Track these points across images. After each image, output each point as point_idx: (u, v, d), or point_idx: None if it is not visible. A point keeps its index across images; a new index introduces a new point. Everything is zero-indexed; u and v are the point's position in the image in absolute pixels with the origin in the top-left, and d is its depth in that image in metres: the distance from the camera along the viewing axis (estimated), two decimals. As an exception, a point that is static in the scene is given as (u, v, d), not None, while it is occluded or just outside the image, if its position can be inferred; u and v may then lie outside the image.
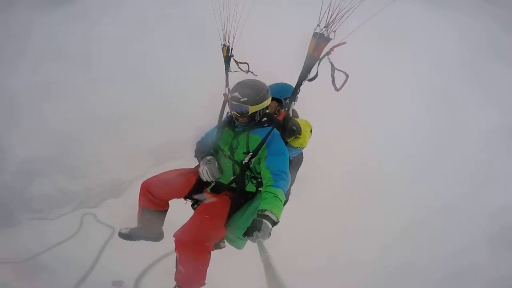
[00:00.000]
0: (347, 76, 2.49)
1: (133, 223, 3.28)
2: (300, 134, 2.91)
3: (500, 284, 13.76)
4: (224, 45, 3.15)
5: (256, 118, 2.77)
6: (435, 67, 19.40)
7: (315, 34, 2.58)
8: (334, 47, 2.58)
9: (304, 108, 3.22)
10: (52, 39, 22.45)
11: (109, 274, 14.13)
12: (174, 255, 2.88)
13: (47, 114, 22.46)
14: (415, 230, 15.38)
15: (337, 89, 2.54)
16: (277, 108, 3.19)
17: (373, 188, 16.18)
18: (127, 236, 3.11)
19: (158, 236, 3.25)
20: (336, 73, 2.65)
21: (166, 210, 3.14)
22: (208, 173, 2.80)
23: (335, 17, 2.45)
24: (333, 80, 2.55)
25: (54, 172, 22.77)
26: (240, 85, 2.76)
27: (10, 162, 20.84)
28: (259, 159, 2.70)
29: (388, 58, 17.62)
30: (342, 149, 17.15)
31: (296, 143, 2.96)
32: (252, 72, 3.13)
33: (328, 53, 2.59)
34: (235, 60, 3.17)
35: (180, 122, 23.29)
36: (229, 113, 2.92)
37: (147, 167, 24.78)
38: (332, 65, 2.59)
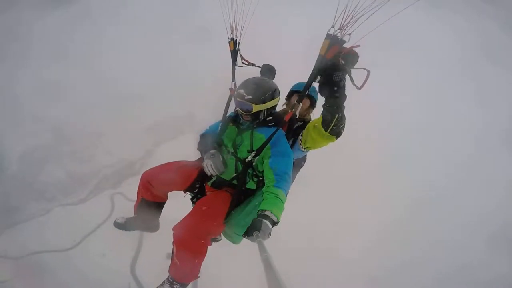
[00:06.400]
0: (368, 72, 2.43)
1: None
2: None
3: (499, 284, 14.50)
4: (232, 38, 3.11)
5: (260, 117, 2.80)
6: (433, 68, 19.46)
7: (328, 35, 2.50)
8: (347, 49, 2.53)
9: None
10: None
11: (159, 248, 14.55)
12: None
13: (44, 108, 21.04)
14: (413, 228, 15.88)
15: (358, 88, 2.46)
16: (309, 108, 3.21)
17: (371, 185, 16.43)
18: (122, 226, 3.20)
19: (154, 227, 3.34)
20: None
21: (164, 202, 3.23)
22: (213, 167, 2.85)
23: (351, 20, 2.43)
24: (352, 80, 2.51)
25: (59, 158, 21.70)
26: (247, 83, 2.77)
27: (12, 157, 19.42)
28: (262, 158, 2.74)
29: (384, 59, 16.57)
30: (340, 146, 16.38)
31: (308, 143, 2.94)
32: (257, 65, 3.18)
33: (340, 56, 2.52)
34: (241, 55, 3.14)
35: (181, 99, 23.02)
36: (235, 109, 2.86)
37: (151, 146, 24.42)
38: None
